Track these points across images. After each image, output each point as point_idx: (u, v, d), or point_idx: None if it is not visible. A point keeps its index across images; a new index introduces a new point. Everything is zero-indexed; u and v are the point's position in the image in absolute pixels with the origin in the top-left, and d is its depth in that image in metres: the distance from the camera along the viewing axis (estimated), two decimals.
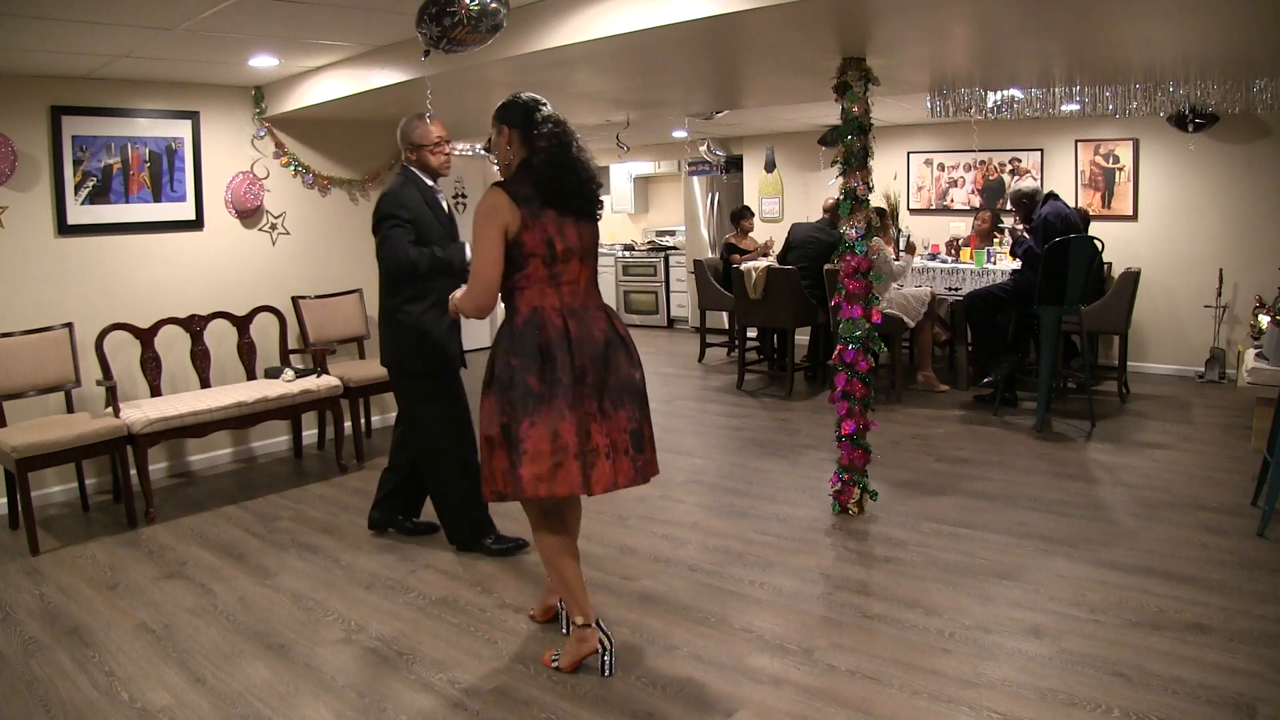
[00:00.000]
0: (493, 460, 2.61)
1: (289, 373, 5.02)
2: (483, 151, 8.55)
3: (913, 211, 8.44)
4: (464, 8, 2.97)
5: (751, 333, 7.76)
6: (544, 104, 2.72)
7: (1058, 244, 5.18)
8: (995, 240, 7.11)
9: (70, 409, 4.58)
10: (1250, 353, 4.64)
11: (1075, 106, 5.51)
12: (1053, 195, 5.76)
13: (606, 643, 2.76)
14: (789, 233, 7.18)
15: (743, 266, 6.82)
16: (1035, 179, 7.41)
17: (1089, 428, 5.48)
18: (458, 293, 2.81)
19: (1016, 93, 5.36)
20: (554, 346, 2.57)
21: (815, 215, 7.84)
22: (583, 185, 2.68)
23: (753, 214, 8.36)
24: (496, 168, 3.01)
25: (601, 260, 11.07)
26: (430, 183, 3.69)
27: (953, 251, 7.43)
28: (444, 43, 3.07)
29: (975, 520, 4.00)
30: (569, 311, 2.63)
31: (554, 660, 2.81)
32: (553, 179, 2.61)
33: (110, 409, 4.43)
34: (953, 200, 8.26)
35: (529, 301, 2.63)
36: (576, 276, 2.67)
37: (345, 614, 3.27)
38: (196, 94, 5.18)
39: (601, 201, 2.82)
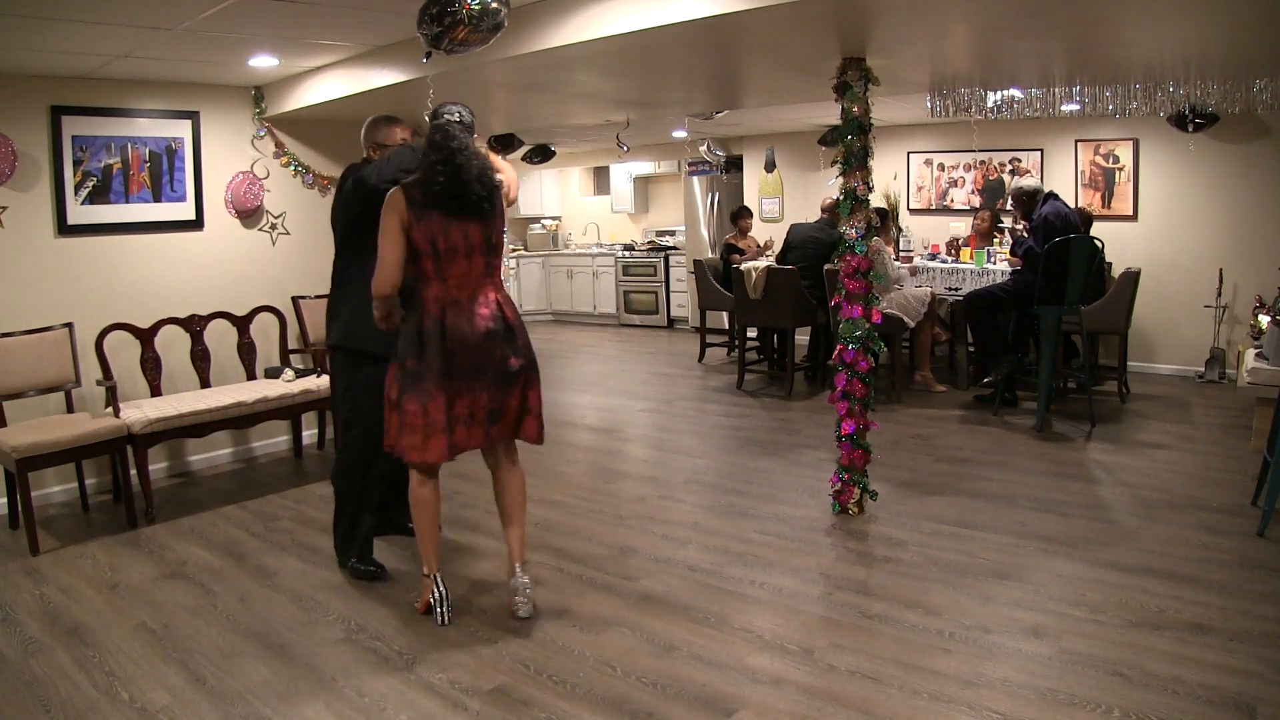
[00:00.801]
0: (389, 420, 3.05)
1: (289, 373, 5.02)
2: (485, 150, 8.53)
3: (913, 211, 8.44)
4: (465, 7, 2.97)
5: (751, 333, 7.76)
6: (447, 111, 3.10)
7: (1058, 244, 5.18)
8: (995, 240, 7.11)
9: (70, 409, 4.58)
10: (1250, 353, 4.64)
11: (1075, 106, 5.51)
12: (1053, 195, 5.76)
13: (440, 590, 3.13)
14: (788, 233, 7.18)
15: (743, 266, 6.82)
16: (1036, 178, 7.41)
17: (1089, 428, 5.48)
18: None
19: (1016, 93, 5.36)
20: (429, 333, 2.95)
21: (815, 215, 7.84)
22: (463, 189, 2.95)
23: (751, 214, 8.36)
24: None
25: (602, 260, 11.10)
26: None
27: (953, 251, 7.43)
28: (446, 43, 3.07)
29: (975, 520, 4.00)
30: (450, 302, 2.98)
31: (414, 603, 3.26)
32: (434, 183, 2.93)
33: (110, 409, 4.43)
34: (953, 200, 8.26)
35: (418, 292, 3.01)
36: (465, 271, 2.99)
37: (345, 614, 3.27)
38: (196, 94, 5.18)
39: (483, 200, 3.01)
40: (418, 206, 2.91)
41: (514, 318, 3.09)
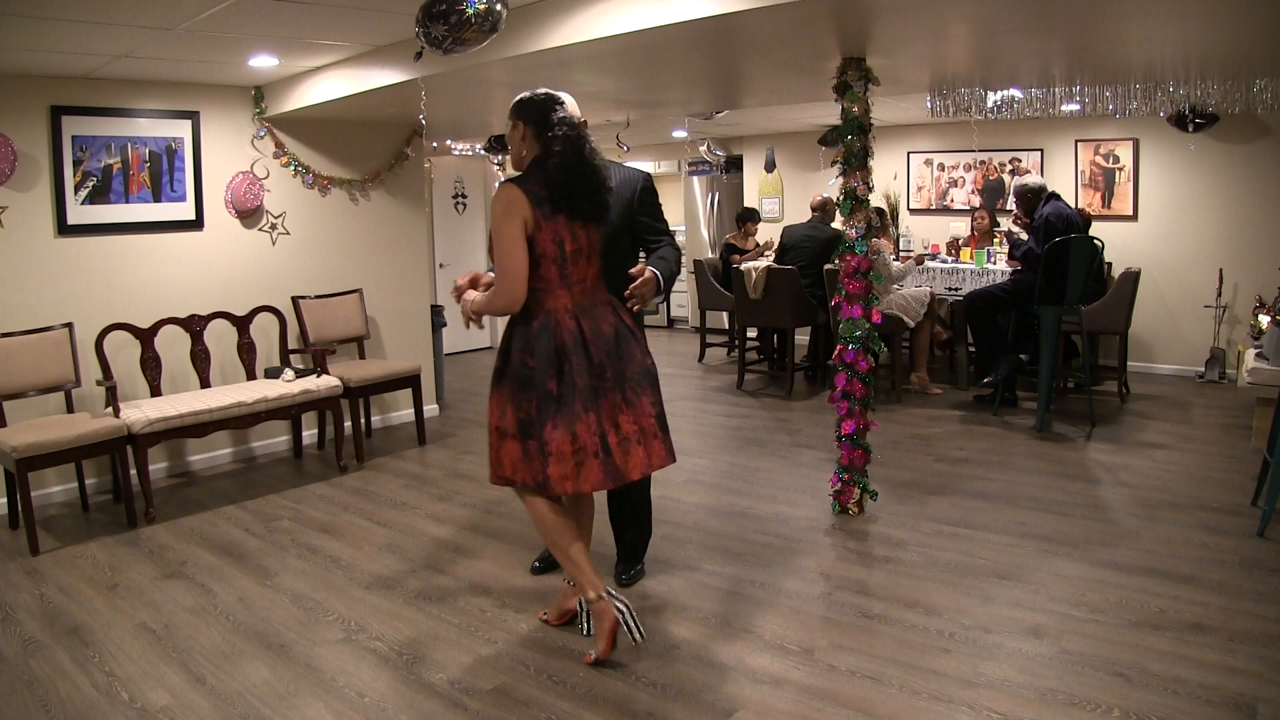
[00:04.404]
0: (501, 448, 2.71)
1: (289, 373, 5.02)
2: (483, 152, 8.55)
3: (913, 211, 8.45)
4: (464, 7, 2.97)
5: (751, 333, 7.76)
6: (561, 103, 2.72)
7: (1058, 244, 5.18)
8: (995, 240, 7.11)
9: (70, 409, 4.58)
10: (1250, 353, 4.64)
11: (1075, 106, 5.51)
12: (1055, 196, 5.76)
13: (622, 607, 2.71)
14: (782, 235, 7.17)
15: (743, 266, 6.82)
16: (1040, 176, 7.41)
17: (1089, 428, 5.48)
18: (473, 294, 2.82)
19: (1016, 93, 5.36)
20: (569, 349, 2.64)
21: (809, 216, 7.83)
22: (594, 190, 2.70)
23: (759, 218, 8.34)
24: (496, 167, 3.05)
25: None
26: None
27: (953, 251, 7.43)
28: (448, 42, 3.07)
29: (975, 520, 4.00)
30: (580, 310, 2.70)
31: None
32: (566, 183, 2.63)
33: (110, 409, 4.43)
34: (953, 200, 8.26)
35: (541, 303, 2.67)
36: (585, 275, 2.73)
37: (345, 614, 3.27)
38: (196, 94, 5.18)
39: (609, 204, 2.84)
40: (543, 205, 2.61)
41: (630, 318, 2.85)
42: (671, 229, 3.33)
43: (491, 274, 2.84)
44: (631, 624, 2.71)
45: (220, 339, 5.28)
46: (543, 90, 2.75)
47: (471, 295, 2.83)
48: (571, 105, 2.79)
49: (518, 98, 2.76)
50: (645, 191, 3.21)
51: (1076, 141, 7.35)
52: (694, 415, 6.28)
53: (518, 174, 2.74)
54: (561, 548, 2.74)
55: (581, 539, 2.81)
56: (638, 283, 2.84)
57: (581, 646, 2.95)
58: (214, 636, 3.12)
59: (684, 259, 10.08)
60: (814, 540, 3.86)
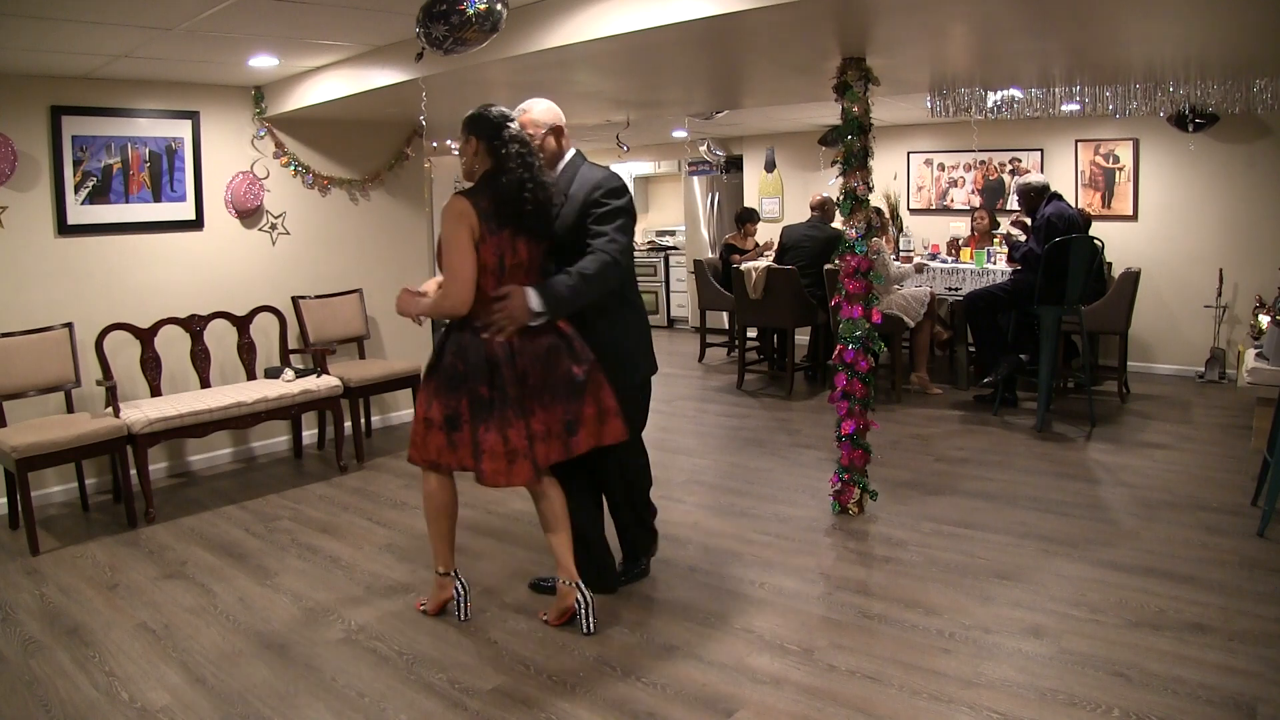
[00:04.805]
0: (427, 435, 2.91)
1: (289, 373, 5.02)
2: None
3: (913, 211, 8.44)
4: (464, 8, 2.97)
5: (751, 333, 7.76)
6: (512, 120, 2.88)
7: (1058, 244, 5.18)
8: (995, 240, 7.11)
9: (70, 409, 4.58)
10: (1250, 353, 4.64)
11: (1075, 106, 5.51)
12: (1057, 195, 5.76)
13: (462, 589, 3.13)
14: (781, 235, 7.17)
15: (743, 266, 6.82)
16: (1042, 175, 7.40)
17: (1089, 428, 5.48)
18: (429, 285, 3.01)
19: (1016, 93, 5.36)
20: (499, 360, 2.81)
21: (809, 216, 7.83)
22: (540, 207, 2.85)
23: (759, 218, 8.34)
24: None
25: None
26: None
27: (953, 251, 7.43)
28: (448, 42, 3.07)
29: (975, 520, 4.00)
30: None
31: (423, 605, 3.23)
32: (514, 199, 2.78)
33: (110, 409, 4.43)
34: (953, 200, 8.26)
35: (477, 314, 2.83)
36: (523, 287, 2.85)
37: (345, 614, 3.27)
38: (196, 94, 5.18)
39: (553, 220, 2.93)
40: (489, 220, 2.76)
41: (568, 326, 2.96)
42: (619, 239, 2.95)
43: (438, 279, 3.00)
44: (465, 606, 3.14)
45: (220, 339, 5.27)
46: (496, 108, 2.88)
47: (427, 290, 3.01)
48: (541, 110, 2.97)
49: (471, 113, 2.89)
50: (601, 192, 2.98)
51: (1076, 141, 7.35)
52: (694, 415, 6.28)
53: (469, 185, 2.89)
54: (435, 524, 3.05)
55: (453, 517, 3.08)
56: (497, 308, 2.80)
57: (580, 646, 2.95)
58: (214, 636, 3.12)
59: (684, 259, 10.12)
60: (814, 540, 3.86)
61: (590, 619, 3.02)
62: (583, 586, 3.03)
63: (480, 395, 2.81)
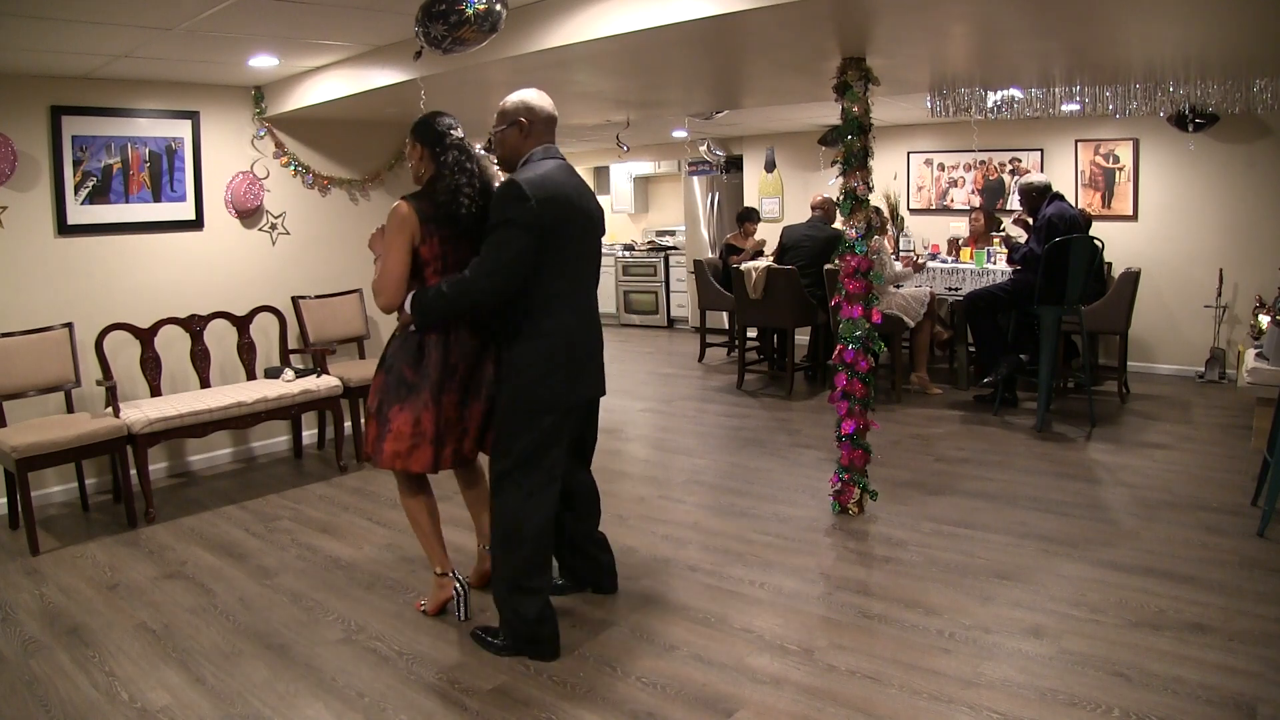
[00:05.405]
0: (368, 429, 3.04)
1: (289, 373, 5.02)
2: (482, 151, 8.54)
3: (913, 211, 8.44)
4: (463, 7, 2.97)
5: (751, 333, 7.75)
6: (455, 127, 3.00)
7: (1058, 244, 5.17)
8: (995, 241, 7.11)
9: (70, 409, 4.58)
10: (1250, 353, 4.64)
11: (1075, 106, 5.50)
12: (1058, 195, 5.76)
13: (461, 589, 3.16)
14: (781, 235, 7.16)
15: (743, 266, 6.82)
16: (1044, 175, 7.40)
17: (1089, 428, 5.48)
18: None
19: (1016, 93, 5.36)
20: (430, 344, 2.93)
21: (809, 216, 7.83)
22: (482, 210, 2.90)
23: (759, 218, 8.34)
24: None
25: (602, 260, 11.08)
26: None
27: (953, 251, 7.43)
28: (447, 42, 3.07)
29: (975, 520, 4.00)
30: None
31: (422, 606, 3.25)
32: (451, 204, 2.90)
33: (110, 409, 4.43)
34: (953, 200, 8.26)
35: None
36: None
37: (345, 614, 3.27)
38: (196, 94, 5.18)
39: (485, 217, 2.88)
40: (429, 222, 2.90)
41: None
42: (488, 257, 2.73)
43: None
44: (462, 606, 3.16)
45: (220, 339, 5.27)
46: (445, 117, 3.00)
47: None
48: (513, 103, 2.88)
49: (417, 119, 3.00)
50: (493, 204, 2.79)
51: (1076, 141, 7.35)
52: (694, 415, 6.28)
53: (416, 189, 3.00)
54: (416, 525, 3.14)
55: (434, 515, 3.16)
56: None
57: (580, 646, 2.95)
58: (214, 636, 3.12)
59: (684, 259, 10.11)
60: (814, 540, 3.86)
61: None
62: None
63: (403, 376, 2.94)
